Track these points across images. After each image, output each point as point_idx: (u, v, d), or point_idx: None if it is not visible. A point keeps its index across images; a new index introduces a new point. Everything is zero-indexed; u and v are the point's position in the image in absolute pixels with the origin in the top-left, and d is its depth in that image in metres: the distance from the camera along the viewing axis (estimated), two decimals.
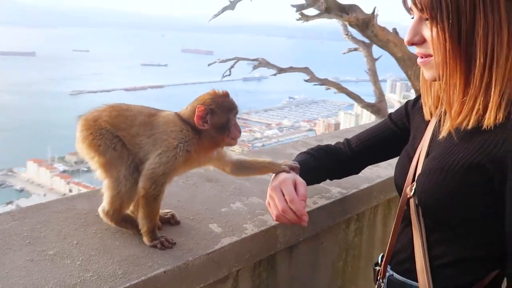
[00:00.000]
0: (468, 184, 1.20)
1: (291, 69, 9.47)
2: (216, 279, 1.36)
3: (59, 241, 1.30)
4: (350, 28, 9.20)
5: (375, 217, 2.04)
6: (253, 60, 9.65)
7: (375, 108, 9.33)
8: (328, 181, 1.79)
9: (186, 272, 1.27)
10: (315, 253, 1.78)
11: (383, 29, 7.87)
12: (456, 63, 1.18)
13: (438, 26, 1.17)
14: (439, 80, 1.24)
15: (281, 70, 9.36)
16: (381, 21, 8.35)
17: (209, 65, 9.77)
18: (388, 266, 1.44)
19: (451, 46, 1.17)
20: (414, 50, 1.30)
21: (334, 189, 1.81)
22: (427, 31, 1.21)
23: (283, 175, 1.48)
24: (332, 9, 7.79)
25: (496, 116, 1.16)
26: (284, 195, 1.42)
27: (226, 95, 1.40)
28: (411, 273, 1.33)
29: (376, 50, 9.44)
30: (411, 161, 1.40)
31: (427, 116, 1.40)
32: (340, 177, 1.74)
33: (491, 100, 1.17)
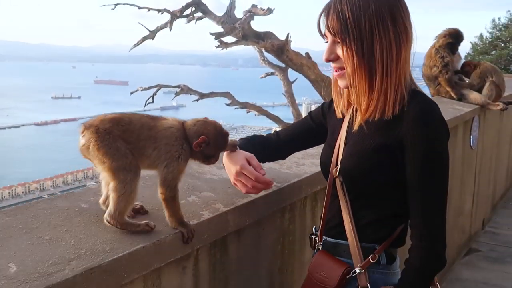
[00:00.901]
0: (378, 161, 1.65)
1: (212, 94, 9.84)
2: (183, 254, 1.65)
3: (51, 229, 1.54)
4: (266, 54, 9.75)
5: (304, 208, 2.40)
6: (175, 87, 9.92)
7: None
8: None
9: (159, 247, 1.55)
10: (258, 237, 2.10)
11: (297, 53, 8.48)
12: (362, 73, 1.61)
13: (347, 46, 1.60)
14: (351, 87, 1.66)
15: (203, 96, 9.71)
16: (293, 47, 8.96)
17: (131, 93, 9.92)
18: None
19: (357, 61, 1.60)
20: (330, 67, 1.74)
21: None
22: (340, 50, 1.64)
23: (235, 156, 1.89)
24: (248, 36, 8.30)
25: (393, 110, 1.61)
26: (248, 175, 1.83)
27: (226, 135, 1.76)
28: (341, 235, 1.75)
29: (291, 73, 10.04)
30: (333, 150, 1.81)
31: (339, 115, 1.85)
32: (270, 160, 2.20)
33: (388, 99, 1.61)
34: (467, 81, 5.46)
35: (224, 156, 1.93)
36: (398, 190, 1.64)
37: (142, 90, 9.96)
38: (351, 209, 1.73)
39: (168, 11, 8.70)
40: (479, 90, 5.31)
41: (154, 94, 9.92)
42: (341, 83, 1.72)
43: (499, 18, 34.58)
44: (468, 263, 5.14)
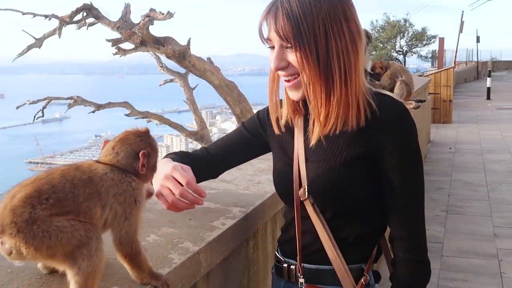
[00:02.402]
0: (357, 175, 1.47)
1: (110, 104, 9.23)
2: None
3: None
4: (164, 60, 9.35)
5: (266, 232, 2.14)
6: (67, 98, 9.18)
7: (198, 135, 9.57)
8: (226, 201, 1.89)
9: None
10: (226, 274, 1.80)
11: (199, 59, 8.19)
12: (319, 81, 1.41)
13: (301, 52, 1.39)
14: (308, 97, 1.45)
15: (99, 107, 9.07)
16: (194, 52, 8.66)
17: (17, 107, 9.00)
18: None
19: (313, 67, 1.40)
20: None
21: (234, 208, 1.87)
22: (291, 56, 1.42)
23: (165, 165, 1.52)
24: (148, 42, 7.86)
25: (358, 119, 1.44)
26: (177, 181, 1.47)
27: (148, 131, 1.32)
28: (323, 260, 1.53)
29: (192, 80, 9.73)
30: (292, 169, 1.56)
31: (278, 130, 1.63)
32: (200, 179, 1.70)
33: (350, 107, 1.43)
34: (377, 83, 5.52)
35: None
36: (379, 202, 1.49)
37: (30, 103, 9.08)
38: (329, 230, 1.52)
39: (56, 16, 7.99)
40: (391, 90, 5.38)
41: (44, 107, 9.11)
42: (294, 94, 1.51)
43: (376, 20, 37.08)
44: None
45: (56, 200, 1.10)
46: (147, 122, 9.79)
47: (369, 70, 5.50)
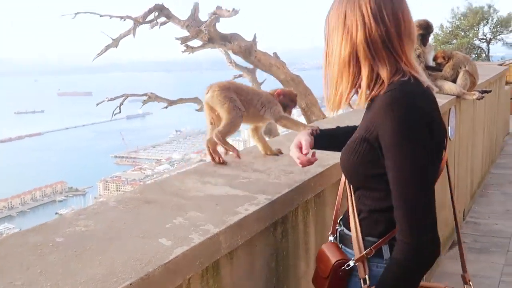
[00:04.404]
0: (362, 154, 1.57)
1: (181, 100, 9.63)
2: (174, 286, 1.48)
3: (23, 271, 1.34)
4: (232, 56, 9.58)
5: (296, 219, 2.25)
6: (142, 95, 9.67)
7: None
8: (254, 189, 2.04)
9: (148, 282, 1.37)
10: (251, 256, 1.94)
11: (265, 54, 8.34)
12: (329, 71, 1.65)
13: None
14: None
15: (171, 103, 9.48)
16: (260, 47, 8.82)
17: (97, 104, 9.62)
18: (338, 224, 1.84)
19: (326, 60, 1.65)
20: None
21: (260, 196, 2.00)
22: None
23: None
24: (215, 39, 8.12)
25: (365, 99, 1.59)
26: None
27: (291, 92, 2.77)
28: (348, 226, 1.71)
29: (259, 74, 9.91)
30: None
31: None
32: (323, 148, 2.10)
33: (336, 89, 1.62)
34: (439, 73, 5.41)
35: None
36: (384, 181, 1.54)
37: (108, 100, 9.67)
38: (354, 201, 1.69)
39: (130, 17, 8.45)
40: (453, 81, 5.27)
41: (121, 104, 9.65)
42: None
43: (457, 8, 35.42)
44: (453, 257, 5.07)
45: (237, 88, 2.50)
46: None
47: (431, 60, 5.42)
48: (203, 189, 2.07)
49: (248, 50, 8.10)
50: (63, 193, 65.71)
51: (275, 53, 8.65)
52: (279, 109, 2.54)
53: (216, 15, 7.85)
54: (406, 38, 1.54)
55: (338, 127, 2.08)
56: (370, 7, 1.51)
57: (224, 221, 1.74)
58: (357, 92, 1.62)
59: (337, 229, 1.83)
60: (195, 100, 9.67)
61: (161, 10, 8.48)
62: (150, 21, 8.57)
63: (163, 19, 8.67)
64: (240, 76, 10.27)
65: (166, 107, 9.52)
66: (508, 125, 11.34)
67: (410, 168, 1.45)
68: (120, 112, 9.55)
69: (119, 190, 57.29)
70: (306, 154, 1.92)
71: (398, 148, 1.45)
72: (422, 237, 1.45)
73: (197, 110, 9.76)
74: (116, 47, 9.09)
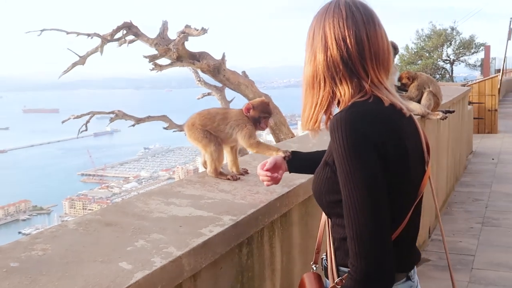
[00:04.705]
0: (326, 179, 1.55)
1: (149, 118, 9.54)
2: None
3: None
4: (201, 74, 9.58)
5: (262, 239, 2.23)
6: (109, 113, 9.55)
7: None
8: (219, 209, 2.01)
9: None
10: (216, 278, 1.91)
11: (234, 72, 8.36)
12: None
13: None
14: None
15: (139, 120, 9.39)
16: (229, 66, 8.85)
17: (63, 122, 9.44)
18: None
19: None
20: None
21: (225, 217, 1.98)
22: None
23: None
24: (183, 58, 8.11)
25: (326, 119, 1.59)
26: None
27: (263, 102, 2.56)
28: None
29: (228, 93, 9.92)
30: None
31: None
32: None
33: (305, 111, 1.61)
34: (404, 94, 5.52)
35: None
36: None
37: (74, 118, 9.51)
38: (330, 230, 1.65)
39: (98, 35, 8.37)
40: (418, 101, 5.37)
41: (88, 121, 9.51)
42: None
43: (422, 29, 36.46)
44: (419, 274, 5.12)
45: (206, 118, 2.49)
46: (184, 136, 9.99)
47: (396, 81, 5.52)
48: (167, 210, 2.03)
49: (217, 69, 8.11)
50: (27, 212, 63.97)
51: (244, 72, 8.69)
52: (249, 131, 2.44)
53: (185, 34, 7.85)
54: (371, 60, 1.50)
55: (317, 151, 2.07)
56: (333, 29, 1.50)
57: (187, 243, 1.71)
58: (325, 113, 1.60)
59: (322, 258, 1.76)
60: (164, 118, 9.60)
61: (129, 28, 8.44)
62: (118, 39, 8.51)
63: (131, 37, 8.62)
64: (209, 94, 10.26)
65: (134, 125, 9.42)
66: (471, 144, 11.61)
67: (356, 193, 1.38)
68: (86, 130, 9.41)
69: (86, 209, 56.24)
70: (268, 170, 1.96)
71: (343, 172, 1.40)
72: (366, 268, 1.37)
73: (165, 128, 9.70)
74: (83, 65, 8.98)
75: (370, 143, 1.39)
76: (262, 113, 2.48)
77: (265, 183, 2.02)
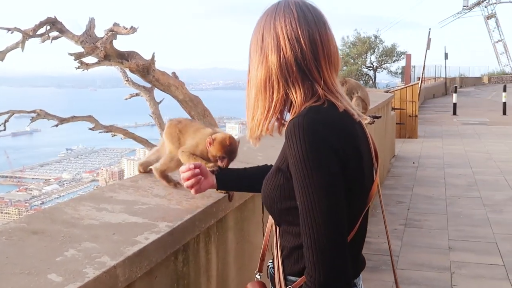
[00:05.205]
0: (279, 186, 1.51)
1: (74, 118, 9.16)
2: None
3: None
4: (130, 74, 9.34)
5: (198, 246, 2.17)
6: (30, 112, 9.08)
7: None
8: (154, 216, 1.93)
9: None
10: (150, 287, 1.83)
11: (164, 73, 8.20)
12: None
13: None
14: None
15: (63, 120, 8.99)
16: (158, 66, 8.68)
17: None
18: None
19: (248, 85, 1.59)
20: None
21: (161, 223, 1.90)
22: None
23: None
24: (111, 57, 7.85)
25: (279, 125, 1.57)
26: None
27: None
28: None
29: (157, 94, 9.73)
30: None
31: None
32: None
33: (249, 116, 1.57)
34: None
35: None
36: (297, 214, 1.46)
37: None
38: (278, 238, 1.60)
39: (19, 30, 7.94)
40: None
41: (6, 120, 8.99)
42: None
43: (347, 36, 37.70)
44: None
45: (184, 126, 2.31)
46: (112, 136, 9.73)
47: None
48: (98, 216, 1.93)
49: (146, 69, 7.91)
50: None
51: (174, 73, 8.54)
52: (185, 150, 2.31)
53: (113, 32, 7.61)
54: (324, 61, 1.47)
55: (249, 167, 2.07)
56: (286, 29, 1.45)
57: (122, 252, 1.62)
58: (277, 119, 1.55)
59: (268, 266, 1.72)
60: (89, 118, 9.25)
61: (53, 23, 8.07)
62: (41, 35, 8.10)
63: (55, 33, 8.24)
64: (137, 95, 10.01)
65: (57, 125, 9.00)
66: (394, 148, 12.09)
67: (314, 198, 1.34)
68: (5, 129, 8.89)
69: (2, 212, 53.30)
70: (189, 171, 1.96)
71: (301, 176, 1.36)
72: (325, 278, 1.34)
73: (90, 128, 9.36)
74: (2, 60, 8.48)
75: (330, 148, 1.37)
76: (220, 153, 2.07)
77: (187, 183, 1.96)
